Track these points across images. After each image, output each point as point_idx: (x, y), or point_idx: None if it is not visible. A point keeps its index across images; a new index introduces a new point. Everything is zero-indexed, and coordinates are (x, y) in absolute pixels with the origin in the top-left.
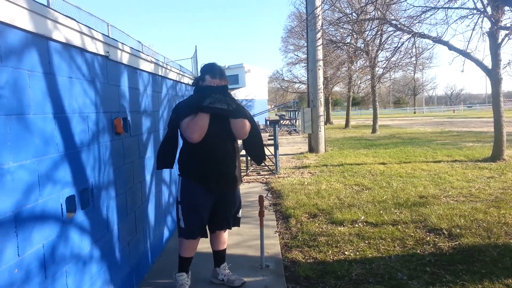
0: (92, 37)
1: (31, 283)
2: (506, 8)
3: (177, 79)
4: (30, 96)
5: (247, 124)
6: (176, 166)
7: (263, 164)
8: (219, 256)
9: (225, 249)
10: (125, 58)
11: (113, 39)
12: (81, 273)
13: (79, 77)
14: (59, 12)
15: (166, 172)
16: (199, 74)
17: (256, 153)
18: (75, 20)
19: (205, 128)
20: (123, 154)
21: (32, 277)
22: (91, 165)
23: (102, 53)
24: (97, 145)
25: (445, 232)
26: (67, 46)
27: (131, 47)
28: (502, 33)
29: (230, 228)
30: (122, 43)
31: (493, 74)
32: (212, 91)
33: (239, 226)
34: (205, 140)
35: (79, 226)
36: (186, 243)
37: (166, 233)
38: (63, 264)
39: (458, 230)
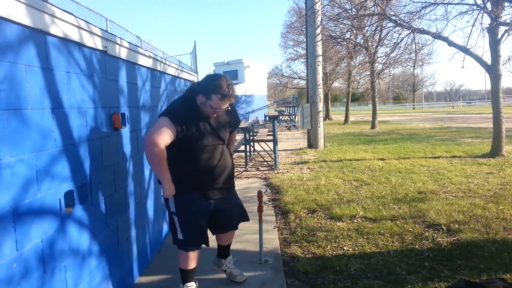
0: (90, 32)
1: (30, 278)
2: (506, 4)
3: (176, 75)
4: (28, 90)
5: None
6: None
7: (262, 159)
8: (224, 249)
9: (230, 244)
10: (123, 53)
11: (111, 34)
12: (80, 267)
13: (77, 72)
14: (56, 7)
15: None
16: (204, 82)
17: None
18: (72, 14)
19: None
20: (122, 149)
21: (31, 271)
22: (89, 160)
23: (100, 48)
24: (96, 140)
25: (443, 227)
26: (65, 41)
27: (129, 42)
28: (502, 29)
29: (236, 229)
30: (120, 38)
31: (493, 70)
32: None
33: (248, 219)
34: (202, 146)
35: (77, 221)
36: (186, 255)
37: (165, 228)
38: (61, 258)
39: (456, 226)
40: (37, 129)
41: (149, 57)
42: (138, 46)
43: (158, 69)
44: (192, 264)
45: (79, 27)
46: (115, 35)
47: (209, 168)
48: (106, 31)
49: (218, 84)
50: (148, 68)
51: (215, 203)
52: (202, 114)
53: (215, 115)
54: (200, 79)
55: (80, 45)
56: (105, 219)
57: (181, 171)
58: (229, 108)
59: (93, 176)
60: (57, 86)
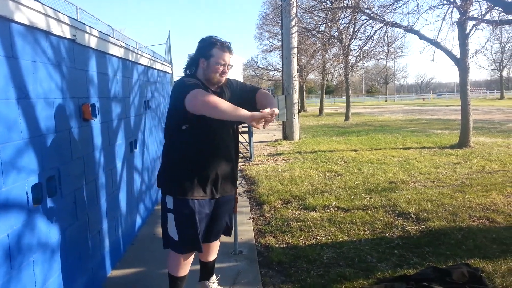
0: (58, 20)
1: None
2: None
3: (149, 65)
4: None
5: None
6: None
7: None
8: (208, 267)
9: (215, 259)
10: (93, 42)
11: (80, 22)
12: (49, 262)
13: (44, 61)
14: None
15: (138, 159)
16: (197, 48)
17: None
18: (39, 1)
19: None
20: (92, 140)
21: None
22: (58, 152)
23: (68, 36)
24: (64, 132)
25: (413, 216)
26: (31, 29)
27: (99, 31)
28: (470, 23)
29: (230, 234)
30: (90, 27)
31: (461, 64)
32: None
33: (230, 234)
34: (207, 130)
35: (46, 214)
36: (179, 259)
37: (138, 221)
38: (30, 253)
39: (425, 214)
40: (2, 120)
41: (121, 46)
42: (109, 35)
43: (130, 59)
44: (183, 271)
45: (46, 15)
46: (85, 24)
47: (213, 156)
48: (76, 20)
49: (212, 39)
50: (119, 58)
51: (217, 202)
52: (206, 88)
53: (224, 75)
54: (174, 69)
55: (48, 34)
56: (75, 212)
57: (184, 160)
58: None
59: (62, 168)
60: (23, 76)
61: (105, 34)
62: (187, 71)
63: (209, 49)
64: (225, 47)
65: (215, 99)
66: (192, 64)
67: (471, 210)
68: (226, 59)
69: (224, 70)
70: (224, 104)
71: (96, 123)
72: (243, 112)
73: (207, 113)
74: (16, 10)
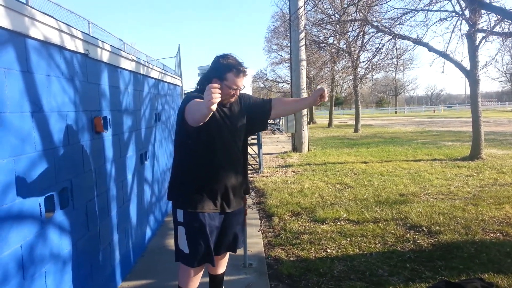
0: (71, 35)
1: (9, 284)
2: (483, 11)
3: (160, 78)
4: (7, 94)
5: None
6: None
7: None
8: (217, 280)
9: (224, 272)
10: (105, 56)
11: (93, 37)
12: (60, 273)
13: (58, 75)
14: (36, 9)
15: (148, 171)
16: (213, 65)
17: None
18: (53, 17)
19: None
20: (104, 153)
21: (9, 278)
22: (70, 164)
23: (81, 51)
24: (77, 144)
25: (424, 229)
26: (45, 44)
27: (111, 45)
28: (480, 35)
29: (241, 247)
30: (102, 41)
31: (471, 75)
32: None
33: (240, 247)
34: (214, 143)
35: (58, 226)
36: (189, 272)
37: (148, 232)
38: (42, 264)
39: (437, 227)
40: (16, 133)
41: (132, 60)
42: (121, 49)
43: (141, 72)
44: (193, 284)
45: (60, 30)
46: (97, 38)
47: (225, 169)
48: (88, 34)
49: (229, 61)
50: (131, 71)
51: (226, 216)
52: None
53: (233, 98)
54: (183, 82)
55: (61, 48)
56: (87, 223)
57: (194, 174)
58: (239, 97)
59: (74, 180)
60: (37, 90)
61: (117, 48)
62: (198, 87)
63: (224, 72)
64: (241, 72)
65: (190, 107)
66: (205, 80)
67: (484, 223)
68: (239, 84)
69: (236, 93)
70: (193, 107)
71: (107, 135)
72: (203, 109)
73: (195, 120)
74: (31, 26)
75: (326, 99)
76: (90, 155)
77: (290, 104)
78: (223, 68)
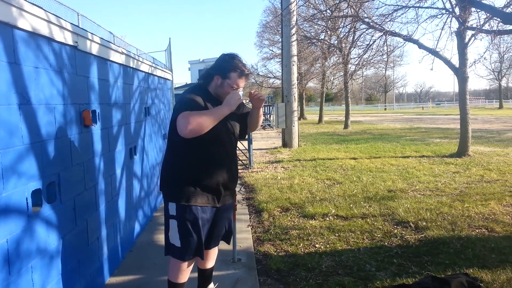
0: (60, 26)
1: None
2: (473, 9)
3: (150, 72)
4: None
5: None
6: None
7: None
8: (205, 274)
9: (213, 267)
10: (94, 49)
11: (82, 29)
12: (47, 268)
13: (46, 67)
14: (24, 0)
15: (137, 166)
16: (218, 63)
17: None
18: (42, 8)
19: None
20: (92, 147)
21: None
22: (58, 158)
23: (70, 43)
24: (65, 138)
25: (412, 225)
26: (34, 35)
27: (101, 38)
28: (469, 33)
29: (230, 241)
30: (91, 33)
31: (460, 73)
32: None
33: (229, 242)
34: (210, 138)
35: (45, 220)
36: (180, 266)
37: (137, 227)
38: (28, 259)
39: (424, 223)
40: (3, 126)
41: (122, 53)
42: (111, 42)
43: (131, 65)
44: (183, 277)
45: (49, 21)
46: (87, 30)
47: (219, 165)
48: (77, 26)
49: (235, 61)
50: (120, 64)
51: (216, 211)
52: (215, 100)
53: None
54: (174, 76)
55: (50, 40)
56: (74, 218)
57: (189, 168)
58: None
59: (62, 174)
60: (25, 82)
61: (107, 40)
62: (200, 81)
63: (228, 71)
64: (244, 74)
65: (196, 121)
66: (208, 76)
67: (470, 219)
68: (241, 84)
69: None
70: (207, 116)
71: (96, 129)
72: (224, 108)
73: (201, 133)
74: (19, 17)
75: (257, 95)
76: (78, 149)
77: (250, 117)
78: (228, 67)
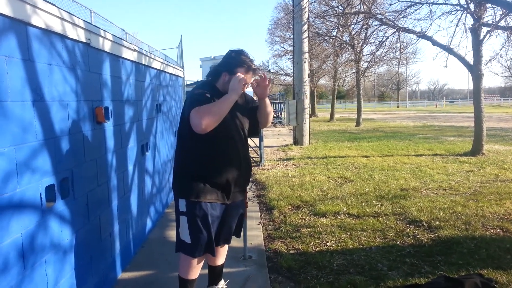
0: (73, 24)
1: (9, 273)
2: (488, 5)
3: (161, 69)
4: (8, 82)
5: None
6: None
7: None
8: (216, 271)
9: (223, 263)
10: (107, 46)
11: (95, 26)
12: (61, 262)
13: (59, 64)
14: None
15: (149, 162)
16: (226, 59)
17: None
18: (55, 5)
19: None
20: (105, 143)
21: (10, 267)
22: (71, 154)
23: (83, 40)
24: (78, 134)
25: (424, 224)
26: (47, 32)
27: (113, 35)
28: (484, 29)
29: (240, 235)
30: (104, 30)
31: (475, 70)
32: None
33: (239, 236)
34: (220, 134)
35: (59, 215)
36: (190, 262)
37: (149, 224)
38: (42, 254)
39: (437, 223)
40: (18, 122)
41: (134, 50)
42: (123, 39)
43: (143, 62)
44: (194, 274)
45: (62, 19)
46: (99, 27)
47: (228, 161)
48: (90, 23)
49: (242, 57)
50: (132, 61)
51: (226, 208)
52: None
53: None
54: (185, 73)
55: (63, 37)
56: (87, 214)
57: (198, 164)
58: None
59: (75, 170)
60: (39, 78)
61: (119, 38)
62: (209, 78)
63: (235, 67)
64: (251, 70)
65: (209, 112)
66: (215, 73)
67: (484, 219)
68: (248, 80)
69: (243, 89)
70: (217, 106)
71: (109, 126)
72: (231, 93)
73: (216, 124)
74: (33, 14)
75: (258, 82)
76: (91, 145)
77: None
78: (235, 63)
